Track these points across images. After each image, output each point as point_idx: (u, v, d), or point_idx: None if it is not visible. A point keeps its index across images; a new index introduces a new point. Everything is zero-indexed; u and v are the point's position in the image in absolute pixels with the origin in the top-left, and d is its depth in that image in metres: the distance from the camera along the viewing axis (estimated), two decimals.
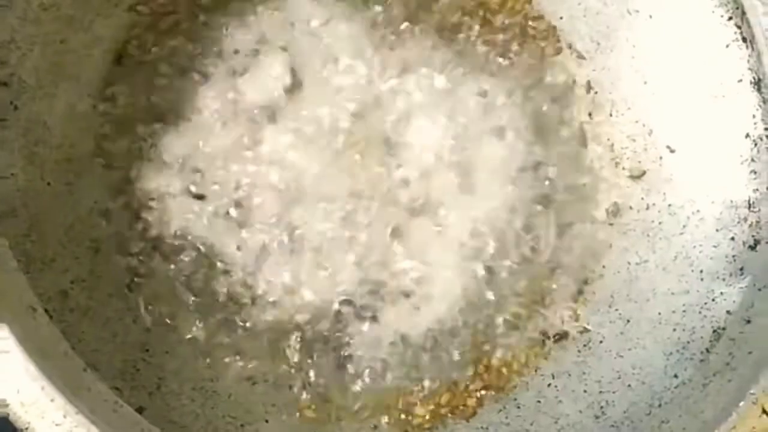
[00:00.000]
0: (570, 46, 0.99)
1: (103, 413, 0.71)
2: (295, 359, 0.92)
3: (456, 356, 0.92)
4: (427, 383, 0.91)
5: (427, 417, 0.90)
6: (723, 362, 0.80)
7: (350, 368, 0.91)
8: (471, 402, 0.91)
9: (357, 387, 0.91)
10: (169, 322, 0.91)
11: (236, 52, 0.95)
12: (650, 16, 0.93)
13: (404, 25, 0.98)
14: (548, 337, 0.94)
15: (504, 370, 0.93)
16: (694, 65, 0.91)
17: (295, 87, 0.94)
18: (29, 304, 0.73)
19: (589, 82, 0.99)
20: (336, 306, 0.93)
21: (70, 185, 0.88)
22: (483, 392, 0.92)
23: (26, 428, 0.67)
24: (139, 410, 0.79)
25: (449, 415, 0.91)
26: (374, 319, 0.91)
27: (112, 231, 0.91)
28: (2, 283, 0.71)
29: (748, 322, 0.81)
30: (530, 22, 1.00)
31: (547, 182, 0.97)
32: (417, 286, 0.92)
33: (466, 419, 0.91)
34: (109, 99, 0.93)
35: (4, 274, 0.73)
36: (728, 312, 0.85)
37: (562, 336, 0.94)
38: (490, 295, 0.95)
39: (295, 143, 0.93)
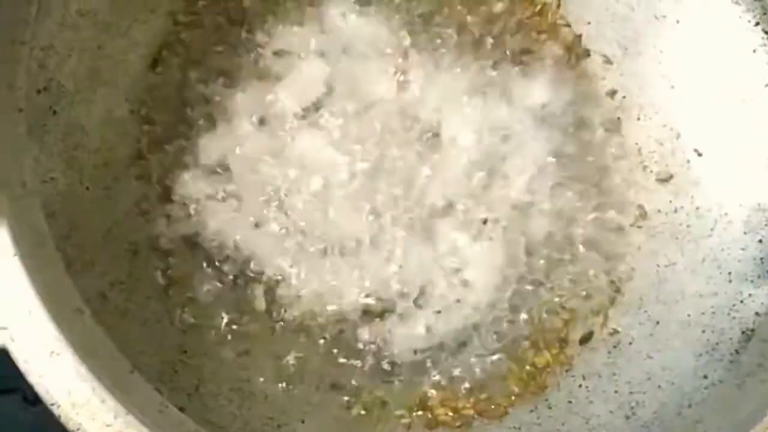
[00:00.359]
0: (597, 51, 0.98)
1: (151, 414, 0.71)
2: (331, 360, 0.90)
3: (489, 357, 0.91)
4: (460, 383, 0.90)
5: (460, 415, 0.90)
6: (756, 363, 0.82)
7: (386, 367, 0.90)
8: (503, 401, 0.90)
9: (392, 386, 0.91)
10: (205, 323, 0.90)
11: (274, 56, 0.95)
12: (677, 22, 0.94)
13: (436, 31, 0.97)
14: (577, 339, 0.93)
15: (535, 371, 0.92)
16: (721, 70, 0.92)
17: (330, 93, 0.93)
18: (77, 306, 0.74)
19: (616, 87, 0.98)
20: (372, 307, 0.93)
21: (108, 189, 0.89)
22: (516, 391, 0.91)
23: (78, 429, 0.68)
24: (179, 411, 0.78)
25: (481, 414, 0.90)
26: (411, 319, 0.91)
27: (149, 234, 0.92)
28: (52, 286, 0.71)
29: None
30: (558, 28, 0.99)
31: (576, 186, 0.95)
32: (452, 289, 0.91)
33: (498, 418, 0.91)
34: (146, 104, 0.91)
35: (53, 276, 0.73)
36: (757, 314, 0.86)
37: (587, 337, 0.93)
38: (521, 298, 0.94)
39: (330, 148, 0.93)
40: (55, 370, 0.69)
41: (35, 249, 0.72)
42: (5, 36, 0.75)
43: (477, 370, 0.94)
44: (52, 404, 0.69)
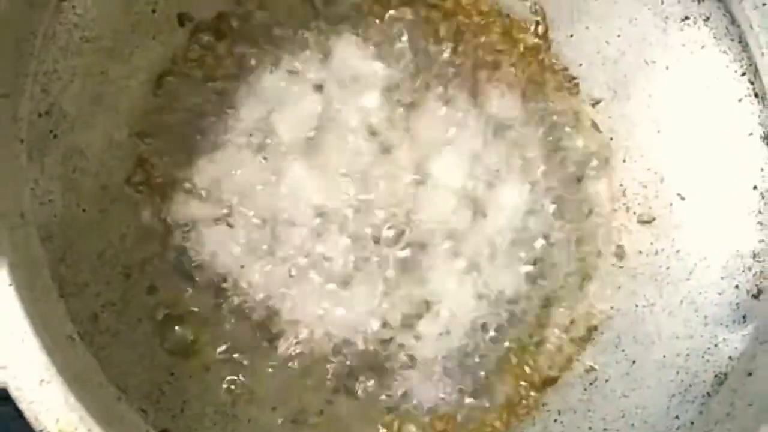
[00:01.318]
0: (587, 93, 1.00)
1: None
2: (320, 389, 0.94)
3: (470, 384, 0.94)
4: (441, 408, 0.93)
5: None
6: (724, 412, 0.84)
7: (361, 391, 0.95)
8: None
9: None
10: (193, 347, 0.92)
11: (270, 87, 0.97)
12: (667, 68, 0.96)
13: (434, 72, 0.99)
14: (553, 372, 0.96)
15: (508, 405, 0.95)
16: (707, 117, 0.94)
17: (325, 125, 0.95)
18: (68, 333, 0.76)
19: (604, 129, 1.00)
20: (363, 336, 0.97)
21: (104, 212, 0.91)
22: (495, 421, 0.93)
23: None
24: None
25: None
26: (399, 347, 0.95)
27: (142, 257, 0.94)
28: (46, 314, 0.74)
29: (750, 374, 0.84)
30: (548, 70, 1.01)
31: (557, 222, 0.98)
32: (435, 317, 0.94)
33: None
34: (144, 128, 0.94)
35: (47, 304, 0.75)
36: (730, 358, 0.88)
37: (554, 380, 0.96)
38: (498, 329, 0.97)
39: (322, 180, 0.94)
40: (45, 398, 0.72)
41: (31, 278, 0.74)
42: (10, 69, 0.76)
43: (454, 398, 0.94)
44: (41, 431, 0.71)
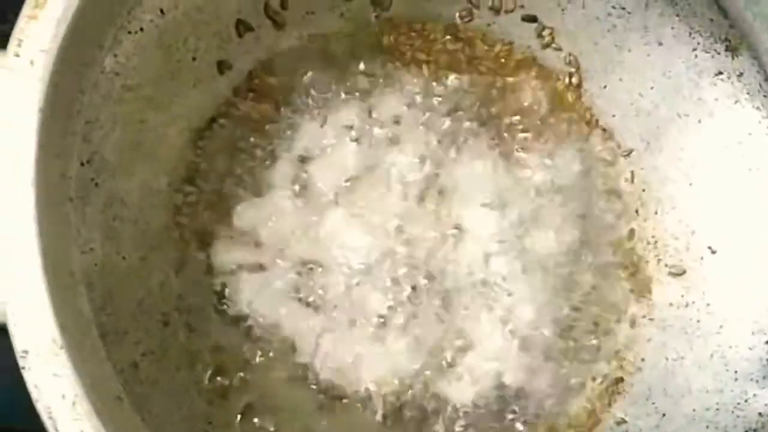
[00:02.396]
0: (620, 144, 1.01)
1: None
2: None
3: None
4: None
5: None
6: None
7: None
8: None
9: None
10: (231, 396, 0.93)
11: (310, 138, 0.99)
12: (699, 121, 0.97)
13: (467, 125, 1.00)
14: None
15: None
16: (739, 171, 0.95)
17: (361, 175, 0.96)
18: (116, 394, 0.76)
19: (636, 180, 1.01)
20: (399, 382, 0.97)
21: (143, 259, 0.91)
22: None
23: None
24: None
25: None
26: (433, 396, 0.95)
27: (181, 304, 0.94)
28: (94, 374, 0.74)
29: None
30: (583, 119, 1.02)
31: (589, 273, 0.98)
32: (467, 365, 0.96)
33: None
34: (183, 177, 0.94)
35: (94, 364, 0.75)
36: (760, 414, 0.89)
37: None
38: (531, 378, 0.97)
39: (358, 227, 0.96)
40: None
41: (80, 338, 0.74)
42: (60, 129, 0.76)
43: None
44: None
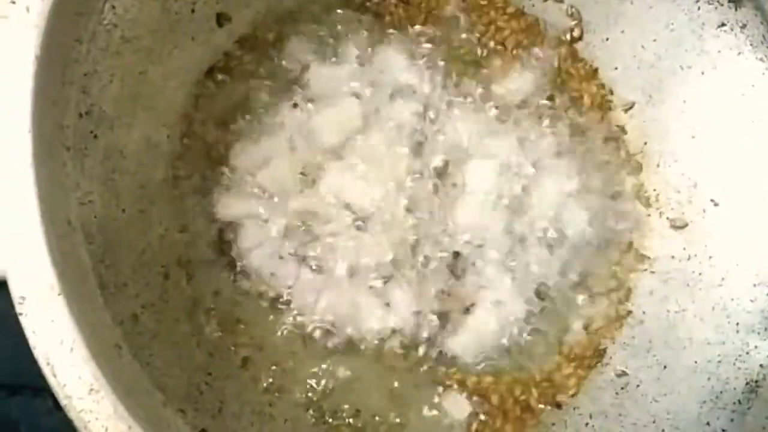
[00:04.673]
0: (622, 97, 1.01)
1: None
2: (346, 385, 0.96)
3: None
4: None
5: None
6: (759, 425, 0.85)
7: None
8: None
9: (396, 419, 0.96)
10: (231, 347, 0.93)
11: (312, 93, 1.00)
12: (702, 73, 0.96)
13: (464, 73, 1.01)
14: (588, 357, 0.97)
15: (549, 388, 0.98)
16: (742, 123, 0.95)
17: (362, 130, 0.96)
18: (115, 342, 0.76)
19: (638, 133, 1.01)
20: (400, 334, 0.97)
21: (142, 212, 0.91)
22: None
23: None
24: None
25: None
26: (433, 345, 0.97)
27: (181, 257, 0.94)
28: (92, 321, 0.74)
29: None
30: (584, 73, 1.02)
31: (590, 226, 0.98)
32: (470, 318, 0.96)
33: None
34: (183, 129, 0.94)
35: (93, 312, 0.75)
36: (762, 366, 0.89)
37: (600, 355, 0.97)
38: (538, 320, 0.99)
39: (357, 180, 0.96)
40: (94, 407, 0.72)
41: (78, 286, 0.74)
42: (56, 77, 0.76)
43: None
44: None
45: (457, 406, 0.97)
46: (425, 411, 0.98)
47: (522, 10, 1.06)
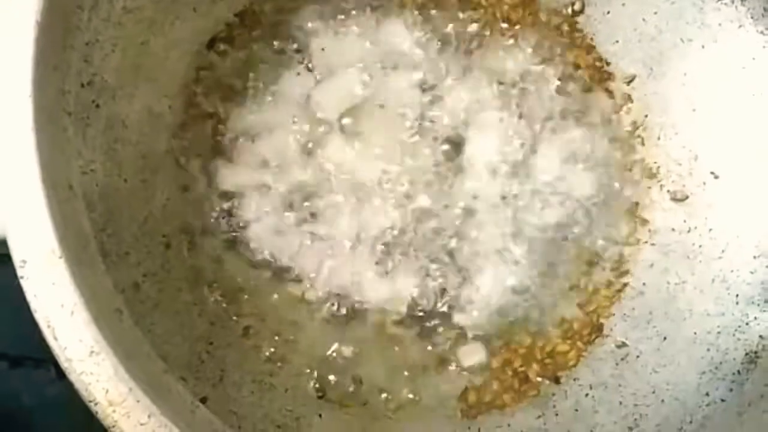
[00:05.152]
0: (623, 70, 1.01)
1: (183, 413, 0.74)
2: (350, 356, 0.96)
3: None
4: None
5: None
6: (758, 393, 0.85)
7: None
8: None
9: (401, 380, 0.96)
10: (233, 317, 0.93)
11: (312, 64, 1.00)
12: (703, 47, 0.96)
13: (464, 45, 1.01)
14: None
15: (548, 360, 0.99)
16: (742, 96, 0.95)
17: (364, 102, 0.97)
18: (116, 306, 0.76)
19: (639, 106, 1.01)
20: (402, 306, 0.98)
21: (144, 182, 0.92)
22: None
23: (113, 426, 0.70)
24: (203, 400, 0.83)
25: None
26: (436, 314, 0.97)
27: (183, 227, 0.95)
28: (94, 287, 0.74)
29: None
30: (583, 45, 1.02)
31: (592, 195, 0.98)
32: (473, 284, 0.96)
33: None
34: (185, 99, 0.95)
35: (94, 276, 0.75)
36: (761, 337, 0.89)
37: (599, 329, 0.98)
38: (536, 289, 1.00)
39: (359, 152, 0.96)
40: (95, 370, 0.72)
41: (79, 251, 0.74)
42: (58, 42, 0.75)
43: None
44: (90, 401, 0.72)
45: (472, 353, 0.95)
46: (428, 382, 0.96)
47: None
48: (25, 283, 0.70)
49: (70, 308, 0.70)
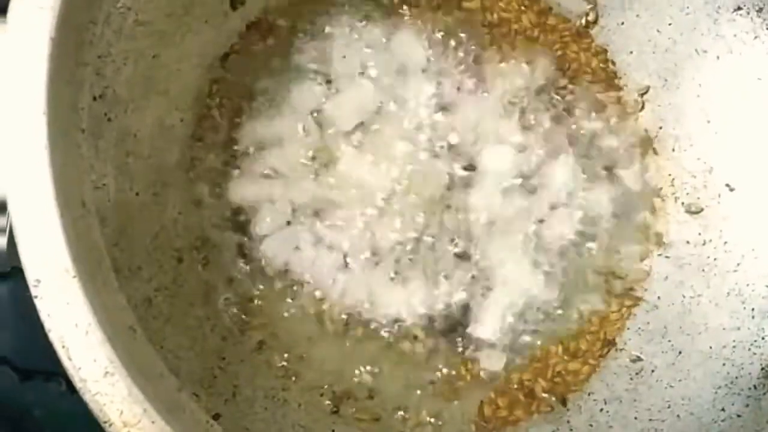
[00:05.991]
0: (637, 81, 1.01)
1: None
2: (363, 371, 0.95)
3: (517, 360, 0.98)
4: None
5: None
6: None
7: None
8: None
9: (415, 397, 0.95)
10: (245, 332, 0.93)
11: (326, 76, 1.00)
12: (718, 58, 0.95)
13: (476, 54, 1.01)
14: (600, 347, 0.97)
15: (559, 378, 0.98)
16: (757, 108, 0.95)
17: (376, 115, 0.96)
18: (130, 324, 0.76)
19: (654, 117, 1.01)
20: (414, 319, 0.98)
21: (156, 195, 0.91)
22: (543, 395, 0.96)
23: None
24: (216, 417, 0.82)
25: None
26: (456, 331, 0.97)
27: (195, 241, 0.94)
28: (108, 305, 0.73)
29: None
30: (598, 56, 1.01)
31: (604, 210, 0.98)
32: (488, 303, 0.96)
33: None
34: (197, 112, 0.95)
35: (107, 294, 0.75)
36: None
37: (610, 344, 0.97)
38: (551, 301, 0.99)
39: (371, 165, 0.96)
40: (109, 391, 0.71)
41: (92, 269, 0.74)
42: (71, 59, 0.76)
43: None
44: (105, 422, 0.71)
45: (492, 359, 0.96)
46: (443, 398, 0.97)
47: None
48: (39, 303, 0.69)
49: (85, 328, 0.70)
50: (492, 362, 0.96)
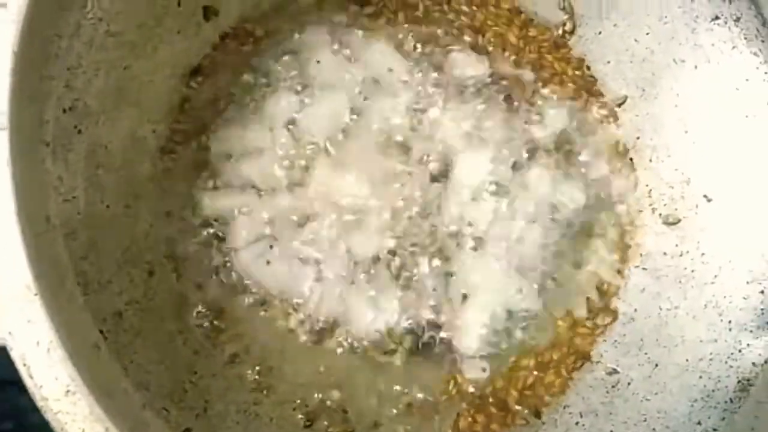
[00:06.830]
0: (614, 91, 1.00)
1: None
2: (337, 385, 0.95)
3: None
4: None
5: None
6: (748, 426, 0.83)
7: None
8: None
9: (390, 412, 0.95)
10: (217, 345, 0.92)
11: (300, 87, 0.98)
12: (695, 67, 0.95)
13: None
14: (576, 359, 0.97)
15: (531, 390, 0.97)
16: (736, 118, 0.93)
17: (350, 125, 0.95)
18: (94, 341, 0.76)
19: (631, 128, 1.00)
20: (389, 329, 0.98)
21: (128, 208, 0.90)
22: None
23: None
24: (187, 431, 0.80)
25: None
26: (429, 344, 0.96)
27: (166, 252, 0.94)
28: (70, 321, 0.73)
29: None
30: (574, 66, 1.01)
31: (579, 219, 0.98)
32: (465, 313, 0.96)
33: None
34: (169, 124, 0.94)
35: (71, 312, 0.75)
36: (753, 364, 0.88)
37: (584, 357, 0.96)
38: (528, 312, 0.99)
39: (346, 176, 0.95)
40: (70, 409, 0.71)
41: (56, 286, 0.73)
42: (36, 73, 0.74)
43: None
44: None
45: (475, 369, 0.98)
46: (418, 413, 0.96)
47: (517, 8, 1.03)
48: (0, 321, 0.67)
49: (46, 345, 0.69)
50: (474, 372, 0.94)
